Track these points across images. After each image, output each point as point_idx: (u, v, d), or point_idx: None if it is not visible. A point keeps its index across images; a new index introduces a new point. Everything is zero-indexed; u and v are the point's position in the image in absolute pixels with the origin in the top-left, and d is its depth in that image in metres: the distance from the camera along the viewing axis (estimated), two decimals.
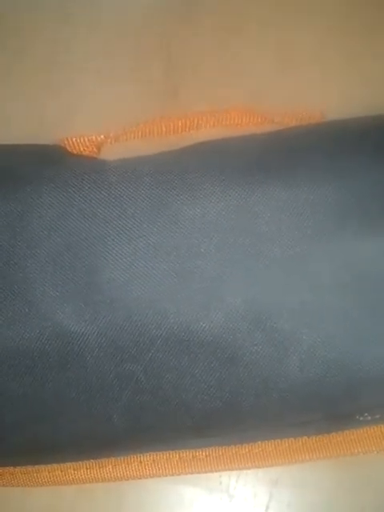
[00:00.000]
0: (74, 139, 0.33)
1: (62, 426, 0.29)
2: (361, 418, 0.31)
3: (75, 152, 0.33)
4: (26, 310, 0.27)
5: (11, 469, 0.33)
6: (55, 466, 0.33)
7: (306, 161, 0.29)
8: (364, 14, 0.38)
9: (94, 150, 0.34)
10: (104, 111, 0.36)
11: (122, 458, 0.33)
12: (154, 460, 0.33)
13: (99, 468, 0.33)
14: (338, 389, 0.28)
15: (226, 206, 0.28)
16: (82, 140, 0.33)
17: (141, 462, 0.33)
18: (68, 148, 0.33)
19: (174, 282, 0.27)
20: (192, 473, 0.33)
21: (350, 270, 0.27)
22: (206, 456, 0.33)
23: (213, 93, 0.36)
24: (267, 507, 0.34)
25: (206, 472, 0.33)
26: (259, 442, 0.33)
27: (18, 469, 0.33)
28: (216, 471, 0.34)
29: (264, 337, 0.27)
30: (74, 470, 0.33)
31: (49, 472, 0.33)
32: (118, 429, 0.29)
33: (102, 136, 0.34)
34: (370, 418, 0.31)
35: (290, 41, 0.38)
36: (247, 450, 0.33)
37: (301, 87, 0.37)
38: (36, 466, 0.33)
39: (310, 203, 0.28)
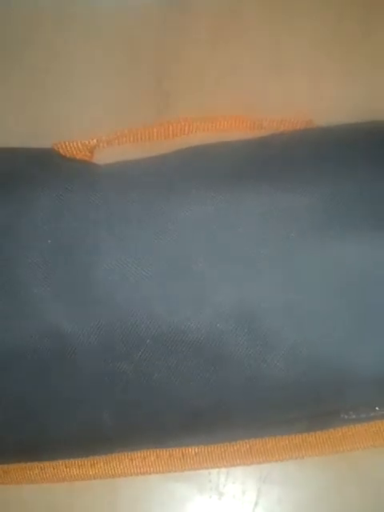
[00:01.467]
0: (67, 143, 0.33)
1: (53, 423, 0.30)
2: (346, 417, 0.32)
3: (69, 156, 0.33)
4: (19, 309, 0.28)
5: (4, 466, 0.33)
6: (47, 463, 0.34)
7: (292, 166, 0.30)
8: (356, 20, 0.38)
9: (87, 153, 0.34)
10: (97, 115, 0.37)
11: (113, 456, 0.34)
12: (144, 457, 0.34)
13: (91, 465, 0.34)
14: (322, 388, 0.29)
15: (214, 210, 0.28)
16: (75, 144, 0.33)
17: (131, 459, 0.34)
18: (62, 152, 0.33)
19: (164, 283, 0.28)
20: (182, 470, 0.34)
21: (334, 271, 0.28)
22: (196, 454, 0.34)
23: (204, 99, 0.37)
24: (256, 504, 0.34)
25: (195, 469, 0.34)
26: (247, 440, 0.33)
27: (11, 466, 0.33)
28: (205, 468, 0.34)
29: (249, 336, 0.27)
30: (65, 467, 0.34)
31: (41, 469, 0.34)
32: (109, 426, 0.30)
33: (95, 140, 0.34)
34: (354, 416, 0.32)
35: (282, 47, 0.38)
36: (236, 447, 0.34)
37: (293, 93, 0.37)
38: (28, 464, 0.33)
39: (295, 207, 0.28)
